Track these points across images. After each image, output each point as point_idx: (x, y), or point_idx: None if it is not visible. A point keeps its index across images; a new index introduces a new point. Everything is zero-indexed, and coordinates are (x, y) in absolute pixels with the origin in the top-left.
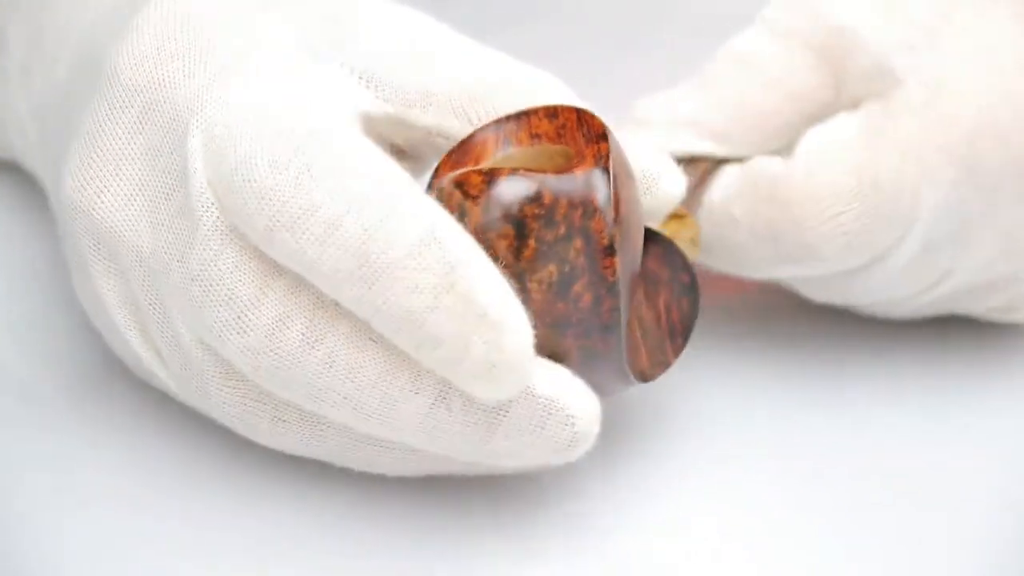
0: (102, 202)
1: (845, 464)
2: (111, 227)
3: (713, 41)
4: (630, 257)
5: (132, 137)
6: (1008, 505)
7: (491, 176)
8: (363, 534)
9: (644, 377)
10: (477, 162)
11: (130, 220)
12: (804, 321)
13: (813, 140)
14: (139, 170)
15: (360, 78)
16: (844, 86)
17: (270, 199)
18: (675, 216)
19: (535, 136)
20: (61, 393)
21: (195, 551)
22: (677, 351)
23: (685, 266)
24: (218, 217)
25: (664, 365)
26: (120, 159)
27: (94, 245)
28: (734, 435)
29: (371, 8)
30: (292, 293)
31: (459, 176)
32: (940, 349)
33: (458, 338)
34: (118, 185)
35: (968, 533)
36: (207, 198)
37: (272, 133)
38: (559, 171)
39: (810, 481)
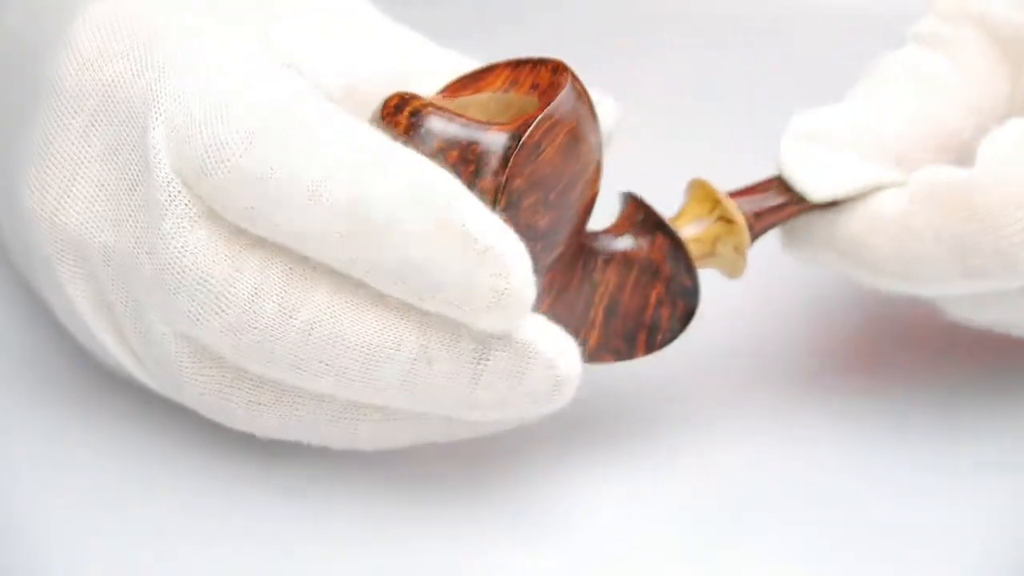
0: (64, 208)
1: (842, 480)
2: (76, 231)
3: (713, 42)
4: (526, 229)
5: (86, 140)
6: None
7: (402, 105)
8: (350, 518)
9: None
10: (476, 91)
11: (94, 221)
12: (814, 336)
13: (996, 145)
14: (98, 171)
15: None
16: (1017, 92)
17: (247, 176)
18: (723, 219)
19: (534, 86)
20: (51, 393)
21: (190, 546)
22: (651, 347)
23: (689, 269)
24: (186, 204)
25: (620, 354)
26: (77, 163)
27: (60, 252)
28: (731, 444)
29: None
30: (265, 266)
31: (391, 95)
32: (957, 374)
33: (462, 277)
34: (78, 189)
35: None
36: (174, 187)
37: (236, 112)
38: (496, 123)
39: (805, 494)
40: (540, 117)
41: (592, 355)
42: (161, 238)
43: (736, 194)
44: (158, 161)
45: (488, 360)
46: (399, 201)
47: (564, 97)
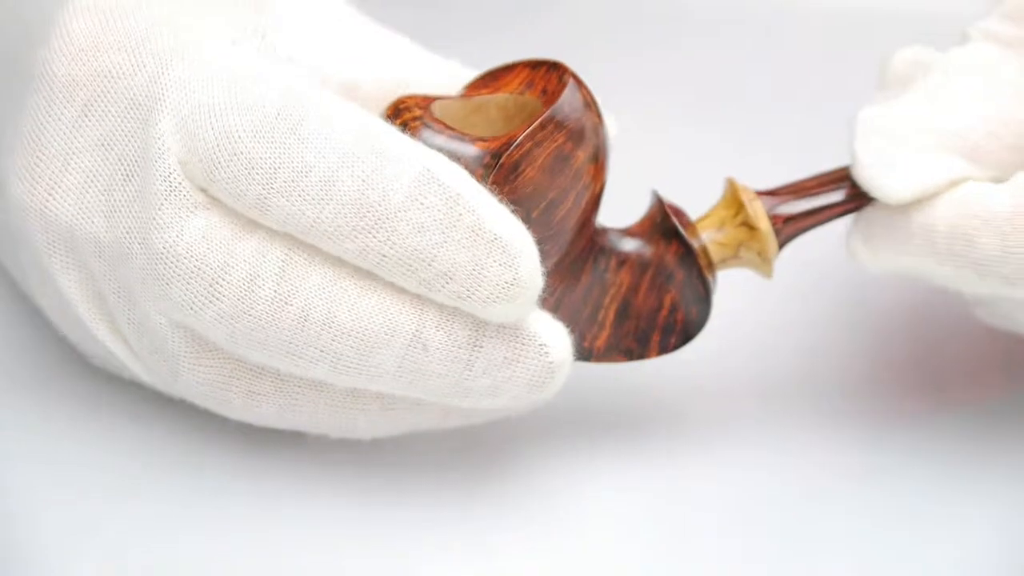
0: (54, 198)
1: (841, 480)
2: (67, 222)
3: (713, 42)
4: None
5: (78, 130)
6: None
7: (394, 116)
8: (345, 511)
9: (586, 355)
10: (494, 91)
11: (85, 211)
12: (818, 338)
13: None
14: (90, 161)
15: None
16: None
17: (260, 168)
18: (746, 225)
19: (544, 91)
20: (46, 390)
21: (187, 542)
22: (663, 349)
23: (701, 277)
24: (185, 194)
25: (632, 355)
26: (68, 153)
27: (51, 243)
28: (729, 444)
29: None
30: (260, 254)
31: (397, 99)
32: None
33: (471, 267)
34: (69, 179)
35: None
36: (175, 178)
37: (247, 103)
38: (483, 138)
39: (806, 493)
40: (521, 137)
41: (601, 355)
42: (156, 227)
43: (774, 192)
44: (162, 152)
45: (482, 346)
46: (409, 192)
47: (555, 111)
